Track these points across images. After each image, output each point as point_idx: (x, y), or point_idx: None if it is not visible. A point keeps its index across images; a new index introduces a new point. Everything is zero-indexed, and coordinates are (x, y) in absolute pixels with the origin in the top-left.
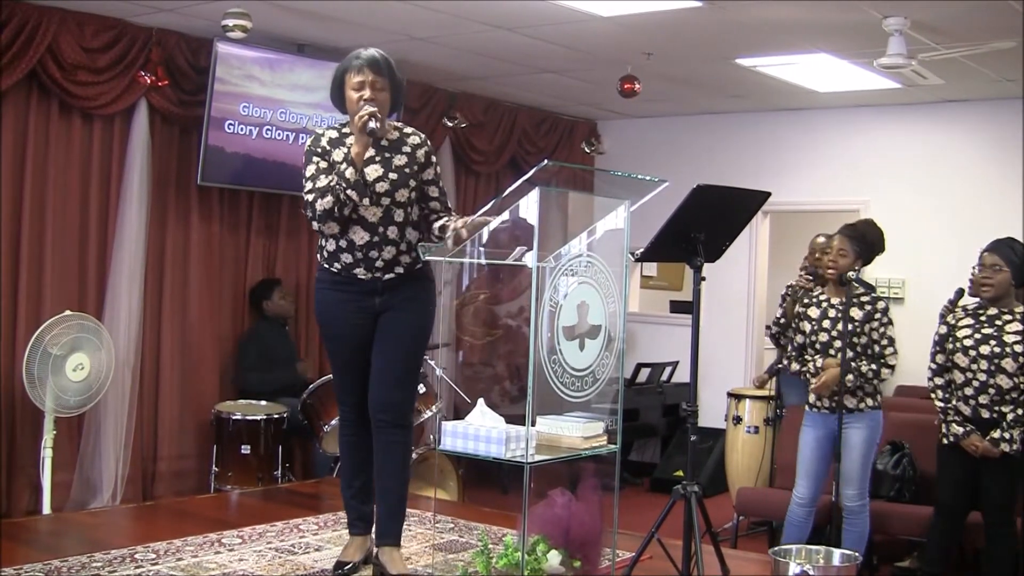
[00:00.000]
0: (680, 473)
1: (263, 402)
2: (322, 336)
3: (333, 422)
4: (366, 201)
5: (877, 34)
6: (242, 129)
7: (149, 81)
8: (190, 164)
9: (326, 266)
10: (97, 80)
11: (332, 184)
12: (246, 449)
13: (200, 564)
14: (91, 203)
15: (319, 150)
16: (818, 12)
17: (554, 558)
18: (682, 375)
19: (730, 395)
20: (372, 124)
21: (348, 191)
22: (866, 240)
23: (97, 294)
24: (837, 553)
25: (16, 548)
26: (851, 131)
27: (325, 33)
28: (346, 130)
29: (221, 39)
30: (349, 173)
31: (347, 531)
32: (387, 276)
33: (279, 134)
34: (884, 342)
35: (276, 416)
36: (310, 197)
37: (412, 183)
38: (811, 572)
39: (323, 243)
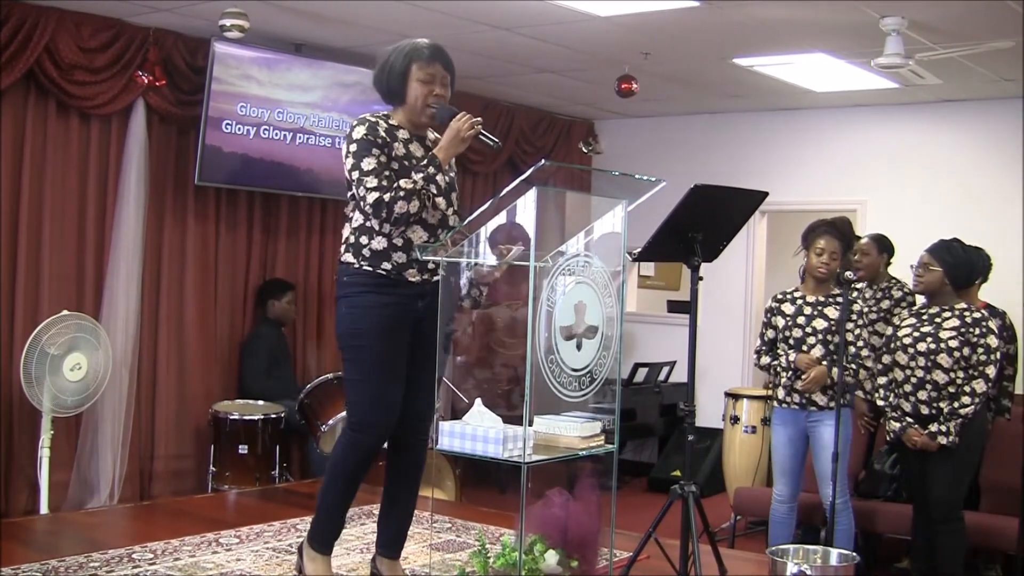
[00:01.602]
0: (678, 473)
1: (261, 402)
2: (356, 346)
3: (331, 422)
4: (442, 203)
5: (875, 34)
6: (240, 129)
7: (147, 81)
8: (187, 164)
9: (368, 268)
10: (95, 80)
11: (419, 188)
12: (244, 449)
13: (198, 564)
14: (89, 203)
15: (379, 141)
16: (815, 12)
17: (551, 558)
18: (680, 375)
19: (727, 395)
20: (490, 143)
21: (438, 198)
22: (846, 238)
23: (95, 294)
24: (835, 553)
25: (14, 548)
26: (849, 131)
27: (323, 33)
28: (393, 122)
29: (219, 39)
30: (441, 180)
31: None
32: (434, 279)
33: (276, 134)
34: (860, 343)
35: (274, 416)
36: (386, 196)
37: (456, 189)
38: (808, 572)
39: (365, 240)
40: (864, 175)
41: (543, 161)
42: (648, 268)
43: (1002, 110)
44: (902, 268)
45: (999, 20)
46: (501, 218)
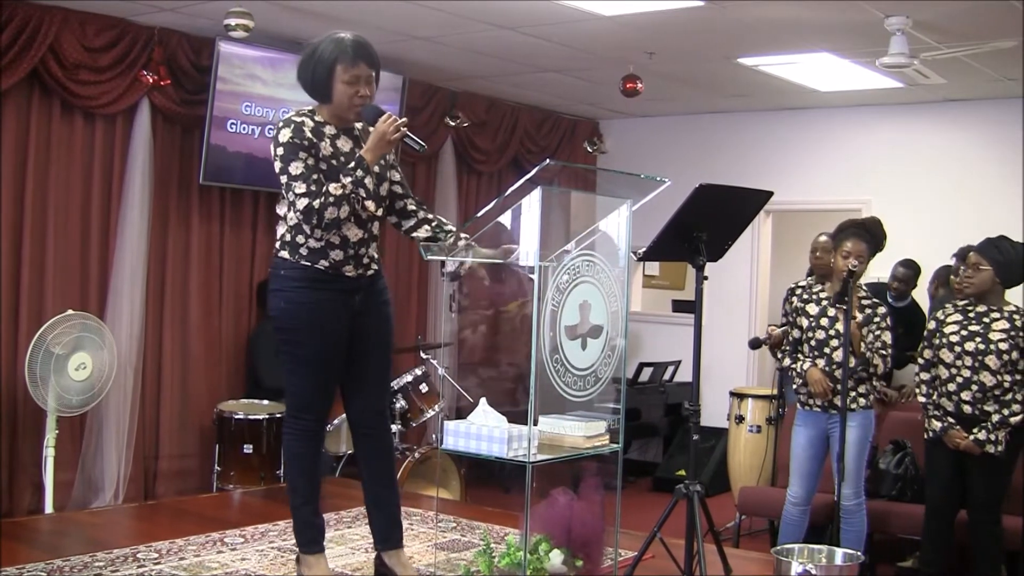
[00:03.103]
0: (682, 472)
1: (265, 401)
2: (295, 341)
3: (336, 421)
4: (371, 206)
5: (879, 33)
6: (244, 128)
7: (151, 80)
8: (192, 163)
9: (306, 263)
10: (99, 79)
11: (348, 193)
12: (248, 448)
13: (202, 563)
14: (93, 203)
15: (305, 143)
16: (820, 11)
17: (556, 557)
18: (684, 374)
19: (732, 394)
20: (416, 146)
21: (367, 201)
22: (876, 240)
23: (99, 293)
24: (840, 552)
25: (18, 547)
26: (853, 130)
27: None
28: (319, 118)
29: (223, 38)
30: (370, 182)
31: (345, 531)
32: (368, 273)
33: None
34: (878, 344)
35: (278, 415)
36: (316, 203)
37: (387, 175)
38: (813, 571)
39: (302, 239)
40: (868, 174)
41: (548, 161)
42: (653, 268)
43: (1006, 109)
44: (886, 269)
45: (1003, 19)
46: (506, 218)
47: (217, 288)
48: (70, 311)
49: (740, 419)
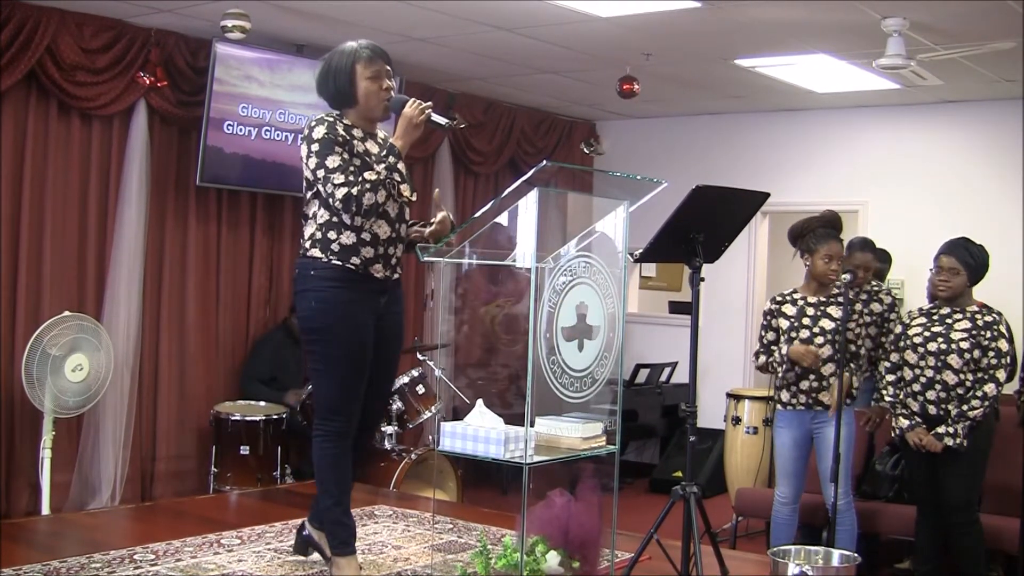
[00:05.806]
0: (679, 474)
1: (262, 403)
2: (327, 340)
3: None
4: (406, 189)
5: (876, 35)
6: (241, 130)
7: (148, 82)
8: (189, 165)
9: (338, 262)
10: (96, 81)
11: (383, 179)
12: (245, 450)
13: (199, 565)
14: (90, 204)
15: (340, 139)
16: (817, 12)
17: (553, 559)
18: (681, 376)
19: (729, 396)
20: (442, 124)
21: (402, 185)
22: (840, 236)
23: (96, 295)
24: (836, 554)
25: (15, 548)
26: (850, 132)
27: (324, 33)
28: (347, 121)
29: (220, 40)
30: (403, 167)
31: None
32: (395, 275)
33: (278, 135)
34: (859, 342)
35: (275, 417)
36: (355, 191)
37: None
38: (810, 572)
39: (334, 236)
40: (865, 176)
41: (544, 162)
42: (650, 269)
43: (1003, 111)
44: (898, 270)
45: (1000, 21)
46: (503, 219)
47: (214, 289)
48: (67, 312)
49: (737, 420)
